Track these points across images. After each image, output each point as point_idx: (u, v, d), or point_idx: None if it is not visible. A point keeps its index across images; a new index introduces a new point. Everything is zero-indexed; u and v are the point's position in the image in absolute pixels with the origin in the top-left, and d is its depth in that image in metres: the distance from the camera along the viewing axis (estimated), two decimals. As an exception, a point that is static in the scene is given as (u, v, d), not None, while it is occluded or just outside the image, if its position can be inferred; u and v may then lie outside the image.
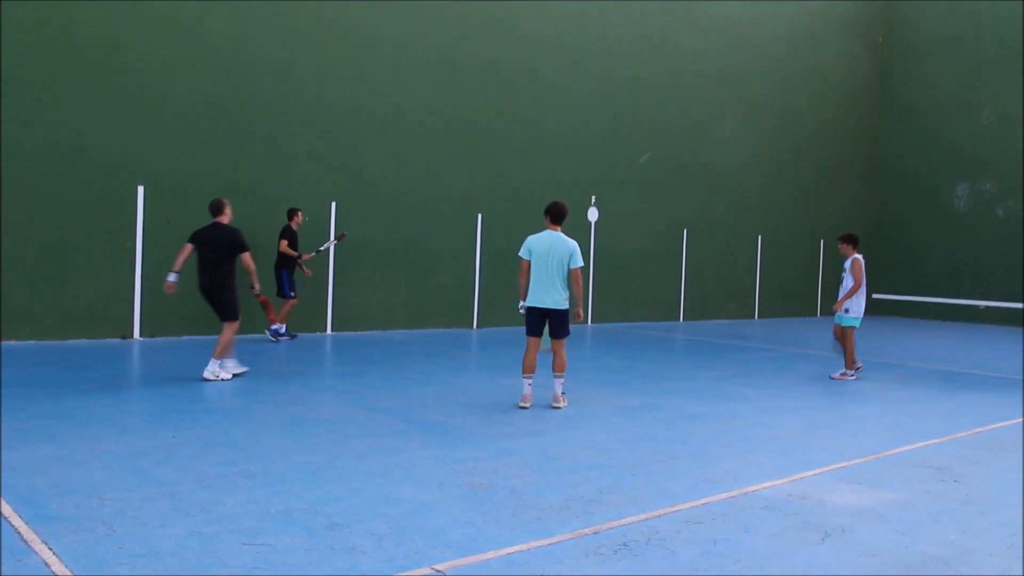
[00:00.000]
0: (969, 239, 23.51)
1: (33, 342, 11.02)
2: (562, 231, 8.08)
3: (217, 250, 8.77)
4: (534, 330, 8.03)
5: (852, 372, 10.72)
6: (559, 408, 7.91)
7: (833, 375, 10.80)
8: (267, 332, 12.41)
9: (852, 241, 10.80)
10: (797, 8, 22.39)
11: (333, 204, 13.78)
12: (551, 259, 7.83)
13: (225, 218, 8.96)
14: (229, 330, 8.85)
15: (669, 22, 19.09)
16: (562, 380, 8.04)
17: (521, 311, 8.14)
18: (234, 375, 8.97)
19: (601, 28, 17.70)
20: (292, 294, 12.40)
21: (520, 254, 8.04)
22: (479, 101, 15.69)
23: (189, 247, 8.87)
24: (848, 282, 10.58)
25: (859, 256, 10.66)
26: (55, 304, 11.25)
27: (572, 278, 7.90)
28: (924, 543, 4.49)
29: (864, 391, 9.89)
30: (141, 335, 11.92)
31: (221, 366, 8.83)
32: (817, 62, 23.22)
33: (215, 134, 12.55)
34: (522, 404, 7.95)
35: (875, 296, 23.70)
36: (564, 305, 7.91)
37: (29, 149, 11.01)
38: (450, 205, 15.39)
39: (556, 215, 8.03)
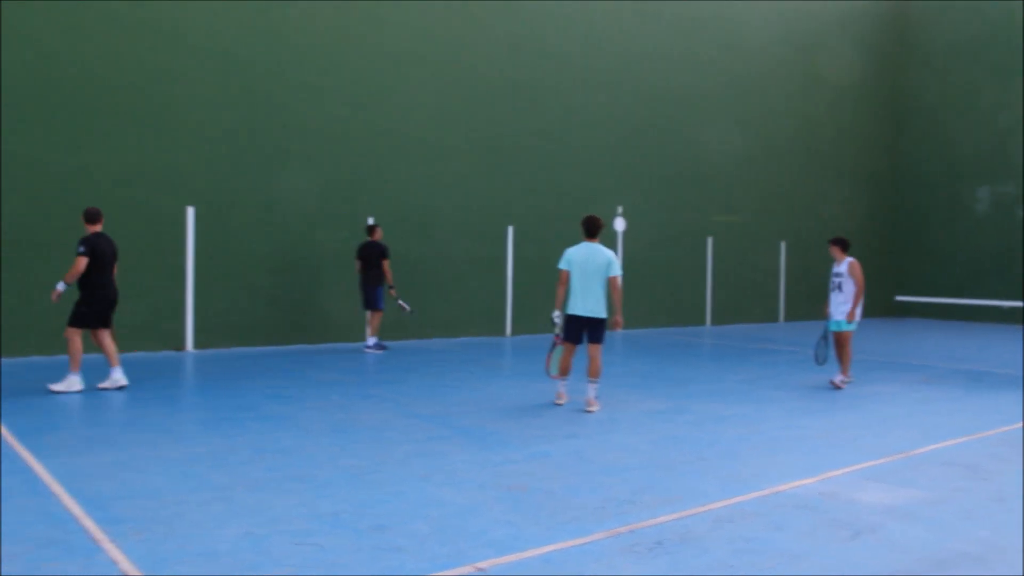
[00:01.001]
0: (991, 241, 23.08)
1: (94, 355, 11.23)
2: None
3: (114, 260, 8.79)
4: (571, 337, 8.15)
5: (850, 378, 10.15)
6: (591, 412, 7.91)
7: (834, 380, 9.95)
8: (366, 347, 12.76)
9: (845, 245, 10.22)
10: (813, 19, 22.19)
11: (370, 219, 13.89)
12: (589, 269, 7.95)
13: (101, 226, 8.79)
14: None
15: (688, 37, 19.03)
16: (596, 385, 8.06)
17: (555, 319, 8.22)
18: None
19: (623, 45, 17.70)
20: (382, 306, 12.64)
21: (560, 266, 8.15)
22: (507, 118, 15.76)
23: (87, 260, 8.45)
24: (849, 287, 9.91)
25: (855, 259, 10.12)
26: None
27: (611, 286, 7.99)
28: (956, 540, 4.42)
29: (890, 392, 9.74)
30: (194, 347, 12.10)
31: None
32: (834, 71, 22.96)
33: (258, 157, 12.74)
34: (557, 401, 8.16)
35: (898, 298, 23.39)
36: (602, 314, 7.99)
37: (87, 175, 11.26)
38: (482, 219, 15.46)
39: (590, 228, 8.16)
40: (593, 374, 8.03)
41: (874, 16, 24.29)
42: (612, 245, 17.44)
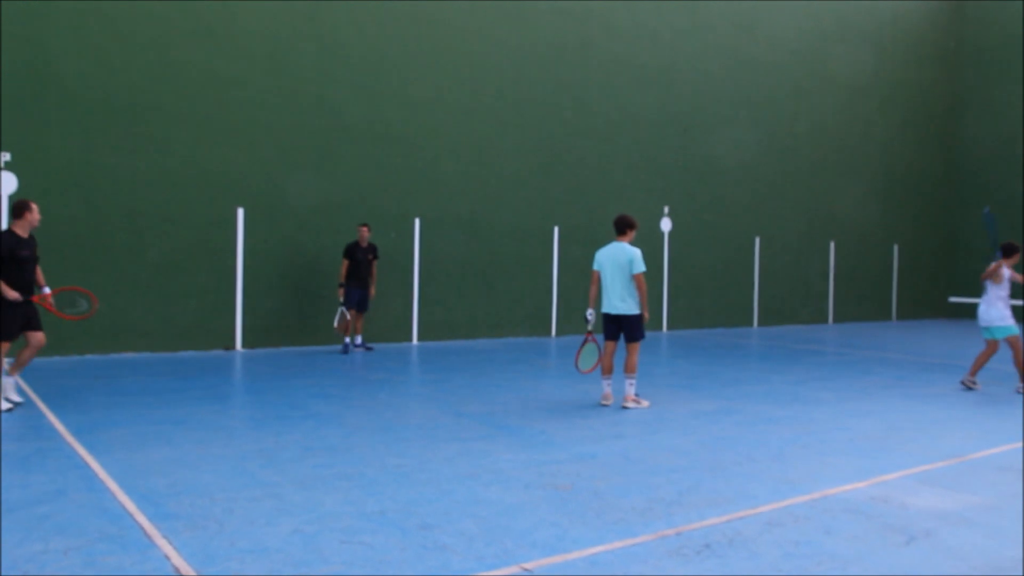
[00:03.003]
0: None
1: (147, 354, 11.49)
2: (634, 242, 8.39)
3: None
4: (609, 335, 8.32)
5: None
6: (628, 408, 7.99)
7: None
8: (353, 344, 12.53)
9: (1008, 250, 9.83)
10: (866, 18, 21.75)
11: (417, 220, 13.99)
12: (614, 268, 8.12)
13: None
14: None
15: (737, 37, 18.79)
16: (633, 381, 8.10)
17: (587, 317, 8.48)
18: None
19: (669, 44, 17.55)
20: (346, 306, 12.16)
21: (593, 267, 8.41)
22: (553, 119, 15.72)
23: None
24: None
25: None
26: (166, 319, 11.72)
27: (635, 283, 8.08)
28: (1015, 547, 4.27)
29: (944, 394, 9.49)
30: (243, 346, 12.30)
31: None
32: (888, 70, 22.50)
33: (307, 158, 12.90)
34: (603, 402, 8.24)
35: (951, 299, 22.81)
36: (632, 311, 8.12)
37: (140, 177, 11.52)
38: (528, 219, 15.45)
39: (618, 227, 8.35)
40: (629, 370, 8.11)
41: (929, 15, 23.72)
42: (658, 245, 17.30)
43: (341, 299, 12.26)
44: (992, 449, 6.60)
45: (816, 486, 5.34)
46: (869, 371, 11.48)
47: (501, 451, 6.14)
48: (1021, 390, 9.63)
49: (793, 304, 20.38)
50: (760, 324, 19.52)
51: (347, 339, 12.29)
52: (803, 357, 13.23)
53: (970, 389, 9.77)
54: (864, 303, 22.23)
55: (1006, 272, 9.68)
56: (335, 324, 12.21)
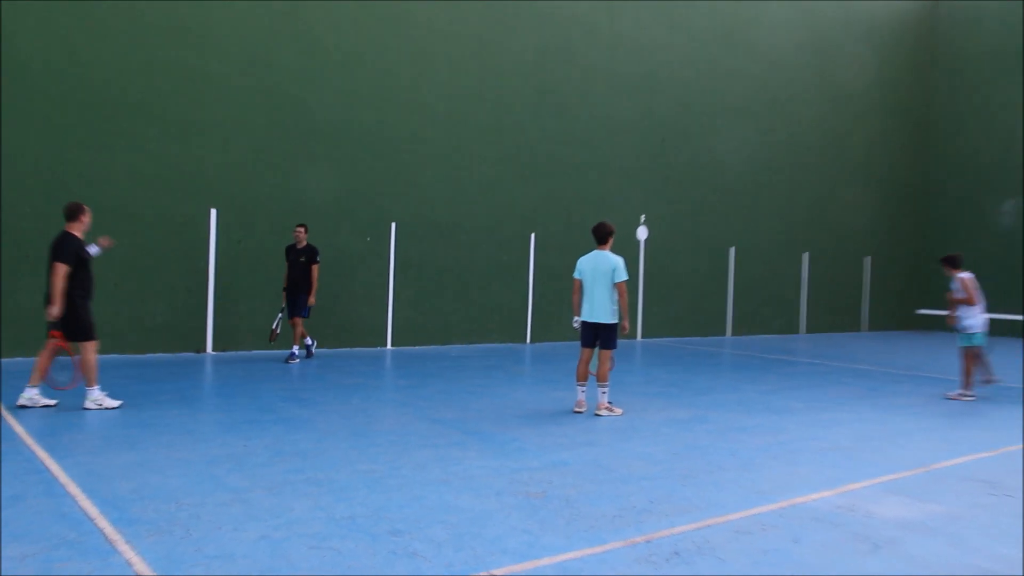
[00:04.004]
0: (1017, 255, 22.72)
1: (115, 356, 11.35)
2: (612, 249, 8.38)
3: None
4: (586, 342, 8.36)
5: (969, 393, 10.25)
6: (601, 415, 8.05)
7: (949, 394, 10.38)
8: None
9: (950, 262, 10.32)
10: (839, 28, 22.06)
11: (393, 225, 13.96)
12: (596, 276, 8.16)
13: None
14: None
15: (714, 46, 18.98)
16: (606, 390, 8.16)
17: (575, 325, 8.48)
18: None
19: (649, 54, 17.68)
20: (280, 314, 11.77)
21: (574, 275, 8.44)
22: (532, 125, 15.78)
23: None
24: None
25: (963, 275, 10.12)
26: (135, 320, 11.58)
27: (617, 292, 8.13)
28: (976, 556, 4.35)
29: (912, 405, 9.63)
30: (213, 349, 12.19)
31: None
32: (864, 84, 22.83)
33: (282, 159, 12.83)
34: (576, 409, 8.27)
35: (920, 311, 23.11)
36: (610, 319, 8.16)
37: (112, 175, 11.40)
38: (504, 225, 15.47)
39: (598, 235, 8.39)
40: (601, 379, 8.18)
41: (901, 25, 24.10)
42: (634, 253, 17.40)
43: (283, 304, 11.78)
44: (956, 459, 6.72)
45: (785, 495, 5.39)
46: (840, 381, 11.62)
47: (473, 458, 6.14)
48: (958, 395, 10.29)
49: (766, 314, 20.58)
50: (733, 334, 19.68)
51: (308, 342, 11.95)
52: (775, 367, 13.35)
53: (992, 383, 10.73)
54: (835, 314, 22.50)
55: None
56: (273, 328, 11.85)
